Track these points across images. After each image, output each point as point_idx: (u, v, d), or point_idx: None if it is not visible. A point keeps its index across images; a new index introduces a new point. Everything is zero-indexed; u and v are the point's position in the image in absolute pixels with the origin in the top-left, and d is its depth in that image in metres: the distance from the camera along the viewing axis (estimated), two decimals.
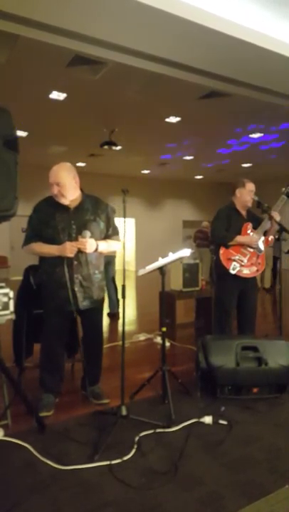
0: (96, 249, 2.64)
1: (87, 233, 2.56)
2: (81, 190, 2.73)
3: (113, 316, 5.78)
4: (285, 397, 2.85)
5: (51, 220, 2.61)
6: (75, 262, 2.61)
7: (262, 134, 8.66)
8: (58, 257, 2.58)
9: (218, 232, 3.52)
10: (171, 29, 3.53)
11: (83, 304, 2.68)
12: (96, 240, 2.63)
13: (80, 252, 2.57)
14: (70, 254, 2.53)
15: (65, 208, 2.64)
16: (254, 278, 3.58)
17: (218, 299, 3.63)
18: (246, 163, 11.76)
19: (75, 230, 2.61)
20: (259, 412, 2.65)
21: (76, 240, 2.57)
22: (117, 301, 5.79)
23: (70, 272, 2.60)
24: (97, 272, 2.74)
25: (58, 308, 2.67)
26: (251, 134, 8.61)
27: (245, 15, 3.62)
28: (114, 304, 5.80)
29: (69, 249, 2.52)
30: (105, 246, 2.73)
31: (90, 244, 2.56)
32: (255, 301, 3.65)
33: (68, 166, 2.65)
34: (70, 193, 2.62)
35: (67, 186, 2.59)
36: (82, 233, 2.56)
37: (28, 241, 2.68)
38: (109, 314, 5.78)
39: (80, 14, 3.33)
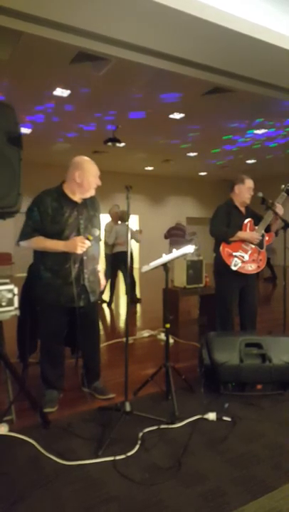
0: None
1: (97, 231, 2.60)
2: None
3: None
4: (288, 394, 2.85)
5: (57, 216, 2.55)
6: (85, 258, 2.62)
7: (266, 130, 8.61)
8: (64, 254, 2.53)
9: (218, 229, 3.50)
10: (175, 24, 3.51)
11: (92, 298, 2.71)
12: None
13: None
14: (79, 251, 2.50)
15: (73, 203, 2.63)
16: (254, 274, 3.56)
17: (219, 295, 3.62)
18: (250, 159, 11.70)
19: (82, 225, 2.62)
20: (263, 409, 2.64)
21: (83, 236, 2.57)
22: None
23: (80, 267, 2.60)
24: (97, 266, 2.78)
25: (60, 305, 2.64)
26: (256, 130, 8.57)
27: (249, 9, 3.60)
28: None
29: (80, 245, 2.48)
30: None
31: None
32: (255, 297, 3.65)
33: None
34: None
35: None
36: (92, 231, 2.58)
37: (26, 235, 2.57)
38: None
39: (84, 10, 3.32)
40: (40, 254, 2.64)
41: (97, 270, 2.76)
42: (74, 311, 2.64)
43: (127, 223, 6.37)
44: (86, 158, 2.68)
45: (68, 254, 2.54)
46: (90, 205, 2.73)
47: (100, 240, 2.88)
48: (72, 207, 2.62)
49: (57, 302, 2.63)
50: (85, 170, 2.61)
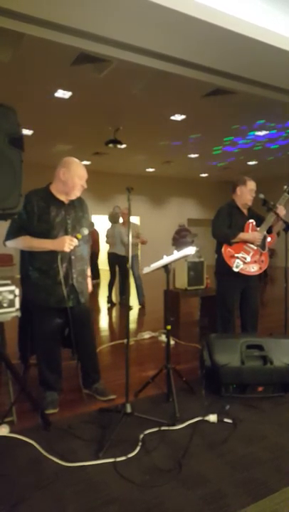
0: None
1: (86, 230, 2.57)
2: None
3: (143, 305, 6.59)
4: None
5: (44, 215, 2.54)
6: (73, 257, 2.61)
7: (268, 132, 8.61)
8: (52, 253, 2.52)
9: (220, 230, 3.50)
10: (175, 26, 3.52)
11: (81, 299, 2.70)
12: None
13: (76, 246, 2.57)
14: (67, 249, 2.49)
15: (60, 203, 2.62)
16: (256, 276, 3.56)
17: (221, 297, 3.62)
18: (252, 160, 11.71)
19: (70, 226, 2.61)
20: (263, 411, 2.64)
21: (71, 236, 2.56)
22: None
23: (68, 267, 2.59)
24: (86, 266, 2.77)
25: (51, 306, 2.62)
26: (257, 131, 8.57)
27: (249, 10, 3.60)
28: (141, 296, 6.63)
29: (68, 243, 2.47)
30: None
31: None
32: (257, 299, 3.64)
33: None
34: None
35: None
36: (81, 230, 2.56)
37: (13, 234, 2.54)
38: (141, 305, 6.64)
39: (85, 12, 3.33)
40: (27, 255, 2.62)
41: (85, 271, 2.75)
42: (66, 312, 2.63)
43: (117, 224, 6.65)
44: (75, 159, 2.67)
45: (56, 253, 2.52)
46: (78, 206, 2.72)
47: (89, 241, 2.86)
48: (59, 207, 2.61)
49: (47, 303, 2.61)
50: (70, 169, 2.60)
